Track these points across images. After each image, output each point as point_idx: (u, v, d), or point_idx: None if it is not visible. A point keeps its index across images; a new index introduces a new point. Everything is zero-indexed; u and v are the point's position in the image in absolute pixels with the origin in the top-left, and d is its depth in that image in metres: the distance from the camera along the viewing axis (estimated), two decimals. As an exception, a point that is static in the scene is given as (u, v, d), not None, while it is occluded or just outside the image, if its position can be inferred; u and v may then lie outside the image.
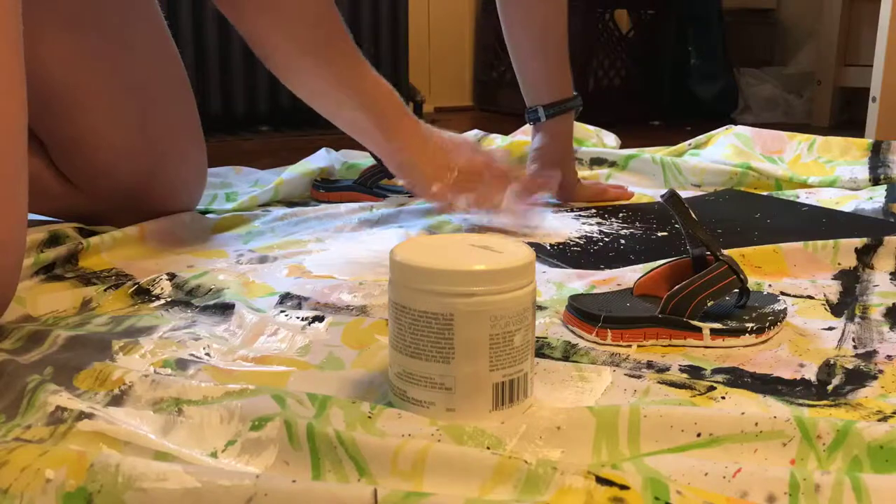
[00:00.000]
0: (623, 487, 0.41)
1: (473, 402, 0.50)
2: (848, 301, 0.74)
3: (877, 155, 1.27)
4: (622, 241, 0.94)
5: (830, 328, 0.68)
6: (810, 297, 0.75)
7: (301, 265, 0.84)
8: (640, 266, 0.80)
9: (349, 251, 0.90)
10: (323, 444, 0.46)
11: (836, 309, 0.73)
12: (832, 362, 0.61)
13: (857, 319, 0.69)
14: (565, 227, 1.00)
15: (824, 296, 0.75)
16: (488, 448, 0.47)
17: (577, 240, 0.94)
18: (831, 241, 0.84)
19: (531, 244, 0.90)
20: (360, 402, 0.51)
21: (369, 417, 0.49)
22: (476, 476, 0.43)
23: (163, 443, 0.48)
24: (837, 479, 0.43)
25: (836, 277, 0.80)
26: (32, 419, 0.50)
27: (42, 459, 0.43)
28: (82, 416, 0.50)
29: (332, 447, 0.45)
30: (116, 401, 0.53)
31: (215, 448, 0.48)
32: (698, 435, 0.48)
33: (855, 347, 0.64)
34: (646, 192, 1.22)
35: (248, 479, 0.42)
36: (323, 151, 1.35)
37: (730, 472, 0.44)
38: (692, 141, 1.44)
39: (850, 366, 0.60)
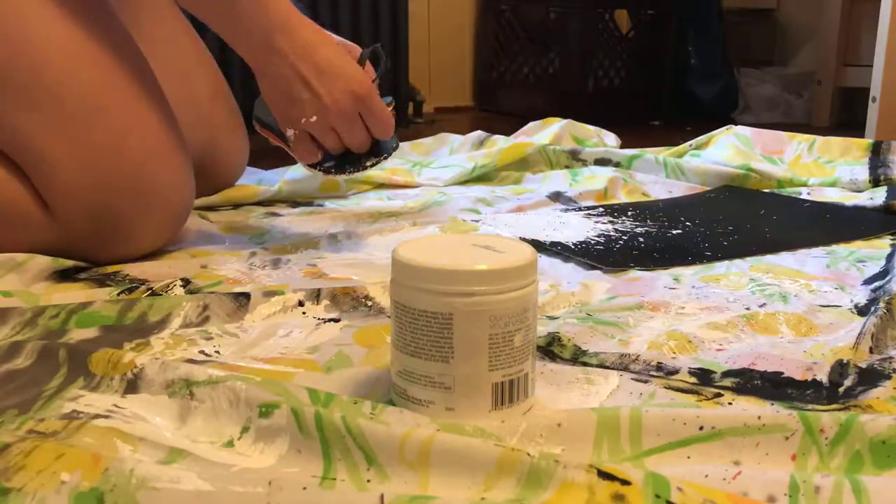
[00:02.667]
0: (625, 483, 0.41)
1: (473, 401, 0.50)
2: (875, 298, 0.74)
3: (877, 155, 1.27)
4: (640, 240, 0.95)
5: (851, 328, 0.67)
6: (837, 306, 0.74)
7: (317, 267, 0.84)
8: (667, 271, 0.83)
9: (367, 252, 0.90)
10: (332, 434, 0.46)
11: (862, 310, 0.72)
12: (845, 361, 0.60)
13: (879, 313, 0.68)
14: (580, 225, 1.01)
15: (851, 301, 0.75)
16: (490, 443, 0.48)
17: (598, 238, 0.94)
18: (851, 252, 0.85)
19: (556, 244, 0.90)
20: (361, 401, 0.51)
21: (371, 418, 0.49)
22: (480, 468, 0.44)
23: (178, 438, 0.49)
24: (837, 481, 0.43)
25: (865, 283, 0.80)
26: (46, 414, 0.51)
27: (58, 463, 0.43)
28: (98, 417, 0.50)
29: (341, 436, 0.46)
30: (132, 386, 0.54)
31: (231, 437, 0.49)
32: (700, 428, 0.48)
33: (871, 349, 0.63)
34: (650, 192, 1.23)
35: (260, 485, 0.42)
36: None
37: (730, 475, 0.44)
38: (693, 142, 1.44)
39: (863, 365, 0.60)
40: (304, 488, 0.42)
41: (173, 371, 0.53)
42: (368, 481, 0.45)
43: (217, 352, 0.62)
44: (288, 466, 0.46)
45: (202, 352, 0.62)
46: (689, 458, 0.48)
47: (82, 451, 0.45)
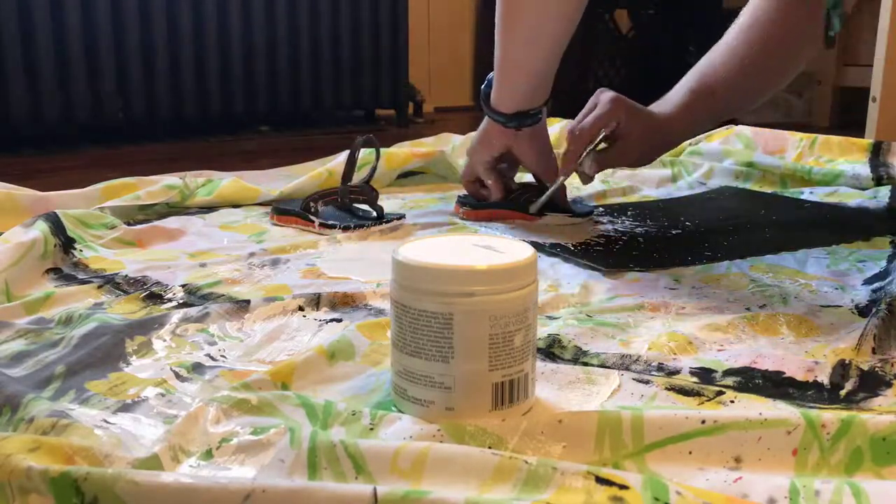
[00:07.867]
0: (622, 487, 0.41)
1: (473, 401, 0.50)
2: (875, 299, 0.73)
3: (877, 157, 1.27)
4: (640, 240, 0.95)
5: (852, 329, 0.67)
6: (838, 307, 0.73)
7: (316, 267, 0.84)
8: (667, 271, 0.83)
9: (364, 251, 0.90)
10: (322, 443, 0.46)
11: (863, 311, 0.72)
12: (847, 362, 0.59)
13: (881, 314, 0.66)
14: (581, 226, 1.01)
15: (852, 301, 0.74)
16: (489, 447, 0.47)
17: (597, 239, 0.94)
18: (852, 252, 0.84)
19: (555, 245, 0.90)
20: (360, 412, 0.51)
21: (371, 429, 0.49)
22: (476, 476, 0.44)
23: (153, 448, 0.47)
24: (837, 486, 0.43)
25: (865, 283, 0.80)
26: (31, 414, 0.50)
27: (33, 455, 0.42)
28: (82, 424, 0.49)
29: (332, 445, 0.45)
30: (126, 408, 0.53)
31: (209, 446, 0.48)
32: (703, 422, 0.48)
33: (873, 349, 0.62)
34: (651, 192, 1.23)
35: (245, 475, 0.42)
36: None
37: (731, 478, 0.44)
38: (692, 140, 1.44)
39: (865, 366, 0.59)
40: (293, 479, 0.42)
41: (175, 409, 0.53)
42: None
43: (223, 356, 0.62)
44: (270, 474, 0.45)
45: (209, 355, 0.62)
46: (690, 452, 0.48)
47: (58, 443, 0.44)
